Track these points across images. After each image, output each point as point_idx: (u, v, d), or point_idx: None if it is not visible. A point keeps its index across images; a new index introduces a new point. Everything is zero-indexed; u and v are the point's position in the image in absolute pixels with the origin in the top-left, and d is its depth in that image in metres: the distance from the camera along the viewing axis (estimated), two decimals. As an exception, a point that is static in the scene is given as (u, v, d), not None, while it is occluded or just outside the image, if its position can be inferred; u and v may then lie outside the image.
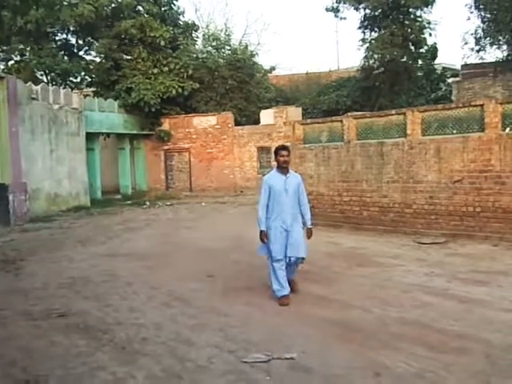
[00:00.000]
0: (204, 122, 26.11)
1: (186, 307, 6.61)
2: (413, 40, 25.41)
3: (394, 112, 12.18)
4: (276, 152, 6.66)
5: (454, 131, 10.67)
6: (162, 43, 25.00)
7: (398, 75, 25.80)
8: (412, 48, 26.24)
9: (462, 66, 25.41)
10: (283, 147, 6.74)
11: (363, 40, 26.05)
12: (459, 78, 24.20)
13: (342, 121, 12.93)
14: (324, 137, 13.29)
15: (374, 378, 4.34)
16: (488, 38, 23.78)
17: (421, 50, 27.33)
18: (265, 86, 29.72)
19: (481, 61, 24.53)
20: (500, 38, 23.40)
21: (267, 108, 26.66)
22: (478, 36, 23.88)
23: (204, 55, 27.67)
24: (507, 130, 9.90)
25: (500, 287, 7.06)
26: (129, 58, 25.55)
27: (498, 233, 9.98)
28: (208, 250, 10.56)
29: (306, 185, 13.69)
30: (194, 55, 27.10)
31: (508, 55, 23.75)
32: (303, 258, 6.72)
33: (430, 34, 25.99)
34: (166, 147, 26.72)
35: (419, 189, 11.20)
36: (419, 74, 28.44)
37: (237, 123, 26.02)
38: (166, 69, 25.22)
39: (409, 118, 11.33)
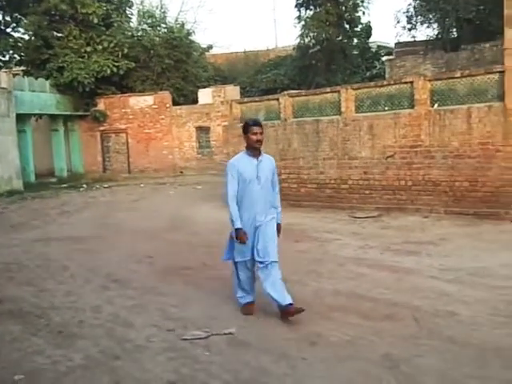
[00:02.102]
0: (141, 101, 25.60)
1: (125, 289, 6.57)
2: (347, 19, 25.81)
3: (328, 90, 12.41)
4: (245, 128, 5.23)
5: (386, 108, 10.99)
6: (95, 20, 24.15)
7: (333, 54, 26.16)
8: (347, 27, 26.67)
9: (395, 44, 26.04)
10: (255, 122, 5.30)
11: (299, 18, 26.22)
12: (393, 57, 24.78)
13: (278, 99, 13.03)
14: (261, 115, 13.34)
15: (310, 347, 4.49)
16: (419, 17, 24.47)
17: (355, 29, 27.81)
18: (202, 65, 29.40)
19: (413, 39, 25.23)
20: (430, 16, 24.13)
21: (205, 87, 26.41)
22: (410, 14, 24.54)
23: (139, 33, 27.02)
24: (435, 105, 10.28)
25: (429, 256, 7.41)
26: (60, 35, 24.58)
27: (427, 205, 10.42)
28: (147, 232, 10.48)
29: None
30: (129, 33, 26.42)
31: (438, 34, 24.53)
32: (275, 262, 5.22)
33: (364, 13, 26.49)
34: (102, 128, 26.04)
35: (354, 165, 11.50)
36: (354, 52, 28.93)
37: (175, 103, 25.67)
38: (100, 47, 24.45)
39: (343, 96, 11.56)
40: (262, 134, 5.22)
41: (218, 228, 10.66)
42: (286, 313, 5.04)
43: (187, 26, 28.22)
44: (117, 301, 6.08)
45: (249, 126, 5.22)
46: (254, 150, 5.23)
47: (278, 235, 5.43)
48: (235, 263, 5.44)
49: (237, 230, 5.17)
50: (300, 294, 5.93)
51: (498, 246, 7.79)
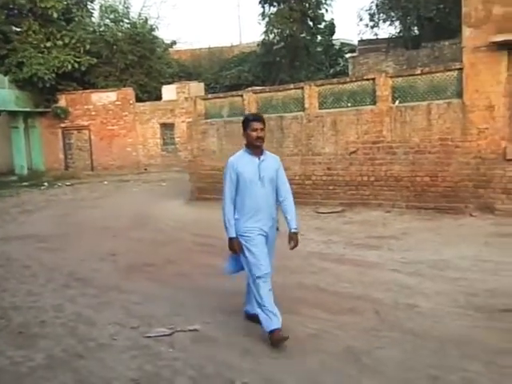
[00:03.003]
0: (103, 98, 25.19)
1: (87, 287, 6.48)
2: (311, 15, 26.01)
3: (292, 86, 12.45)
4: (245, 124, 4.67)
5: (349, 104, 11.12)
6: (55, 15, 23.63)
7: (297, 50, 26.32)
8: (310, 24, 26.87)
9: (359, 41, 26.39)
10: (255, 117, 4.75)
11: (263, 15, 26.27)
12: (356, 54, 25.09)
13: (242, 95, 13.03)
14: (225, 112, 13.33)
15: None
16: (381, 15, 24.87)
17: (319, 26, 28.07)
18: (166, 61, 29.14)
19: (375, 37, 25.62)
20: (392, 14, 24.54)
21: (169, 84, 26.18)
22: (372, 12, 24.92)
23: (101, 28, 26.58)
24: (397, 102, 10.46)
25: (390, 250, 7.55)
26: (19, 30, 23.96)
27: (390, 200, 10.60)
28: (110, 229, 10.36)
29: (209, 160, 13.89)
30: (91, 28, 25.96)
31: (400, 32, 24.97)
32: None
33: (327, 10, 26.73)
34: (63, 125, 25.52)
35: (318, 161, 11.60)
36: (318, 49, 29.20)
37: (138, 99, 25.36)
38: (61, 42, 23.96)
39: (306, 92, 11.64)
40: (263, 130, 4.61)
41: (183, 225, 10.67)
42: (271, 338, 4.42)
43: (150, 22, 27.91)
44: (79, 299, 6.00)
45: (248, 121, 4.65)
46: (254, 148, 4.60)
47: (294, 246, 4.75)
48: (253, 278, 4.53)
49: (230, 239, 4.59)
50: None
51: (458, 239, 7.99)
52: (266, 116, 12.22)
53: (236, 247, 4.61)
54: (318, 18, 27.12)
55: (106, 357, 4.40)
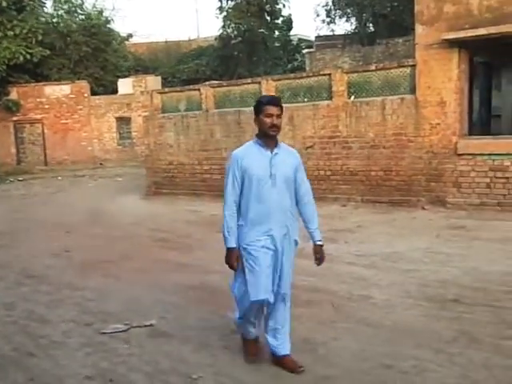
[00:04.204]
0: (57, 91, 24.57)
1: (40, 284, 6.34)
2: (268, 10, 26.05)
3: (249, 81, 12.47)
4: (258, 108, 3.77)
5: (306, 99, 11.21)
6: (4, 3, 22.82)
7: (255, 45, 26.34)
8: (268, 18, 26.91)
9: (316, 37, 26.58)
10: (270, 100, 3.82)
11: (220, 8, 26.16)
12: (313, 50, 25.29)
13: (199, 89, 12.96)
14: (182, 106, 13.23)
15: (231, 335, 4.51)
16: (338, 11, 25.15)
17: (277, 21, 28.16)
18: (122, 54, 28.71)
19: (332, 33, 25.90)
20: (348, 11, 24.85)
21: (125, 77, 25.80)
22: (329, 8, 25.16)
23: (55, 19, 25.90)
24: (352, 97, 10.60)
25: (346, 243, 7.67)
26: (-34, 20, 23.12)
27: (346, 194, 10.76)
28: (64, 225, 10.14)
29: (166, 155, 13.77)
30: (43, 19, 25.26)
31: (355, 28, 25.31)
32: (286, 294, 3.91)
33: (284, 5, 26.83)
34: (15, 118, 24.73)
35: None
36: (276, 44, 29.30)
37: (93, 93, 24.87)
38: (12, 33, 23.19)
39: (263, 87, 11.67)
40: (280, 116, 3.73)
41: (139, 220, 10.55)
42: (282, 364, 3.88)
43: (106, 13, 27.40)
44: (32, 297, 5.86)
45: (262, 104, 3.75)
46: (267, 138, 3.74)
47: (320, 262, 3.98)
48: (244, 303, 3.87)
49: (227, 250, 3.76)
50: (222, 284, 5.96)
51: (410, 232, 8.19)
52: (223, 110, 12.42)
53: (233, 260, 3.73)
54: (275, 13, 27.21)
55: (59, 354, 4.31)
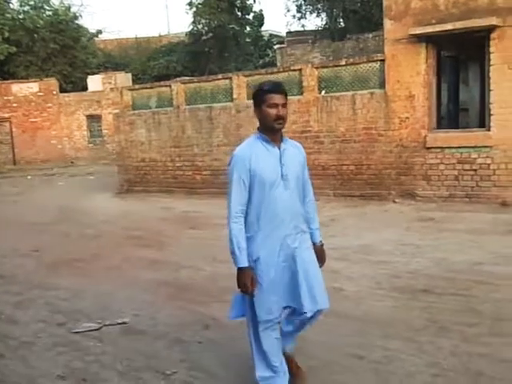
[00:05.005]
0: (25, 88, 24.14)
1: (9, 284, 6.24)
2: (239, 6, 26.00)
3: (220, 77, 12.45)
4: (258, 97, 3.18)
5: (277, 95, 11.21)
6: (-32, 0, 22.43)
7: (226, 41, 26.29)
8: (239, 14, 26.86)
9: (287, 33, 26.63)
10: (273, 87, 3.15)
11: (190, 4, 26.01)
12: (284, 45, 25.36)
13: (170, 86, 12.89)
14: (153, 102, 13.15)
15: (204, 330, 4.54)
16: (308, 6, 25.24)
17: (247, 17, 28.11)
18: (91, 50, 28.39)
19: (302, 28, 25.99)
20: (319, 6, 24.97)
21: (95, 74, 25.48)
22: (299, 4, 25.24)
23: (21, 16, 25.42)
24: (323, 92, 10.68)
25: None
26: None
27: (318, 188, 10.70)
28: (35, 224, 9.99)
29: (137, 152, 13.67)
30: (9, 15, 24.76)
31: (326, 23, 25.44)
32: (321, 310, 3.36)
33: (255, 1, 26.80)
34: (-18, 117, 24.30)
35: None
36: (247, 40, 29.28)
37: (62, 90, 24.54)
38: (-24, 30, 22.75)
39: (235, 83, 11.66)
40: (285, 105, 3.13)
41: (111, 218, 10.46)
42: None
43: (73, 9, 27.04)
44: (1, 297, 5.76)
45: (263, 93, 3.14)
46: (272, 132, 3.17)
47: (322, 263, 3.49)
48: (254, 325, 3.31)
49: (239, 270, 3.11)
50: (195, 280, 6.00)
51: (382, 225, 8.30)
52: (194, 106, 12.38)
53: (249, 281, 3.09)
54: (246, 9, 27.19)
55: (30, 355, 4.26)
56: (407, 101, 9.77)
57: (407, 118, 9.81)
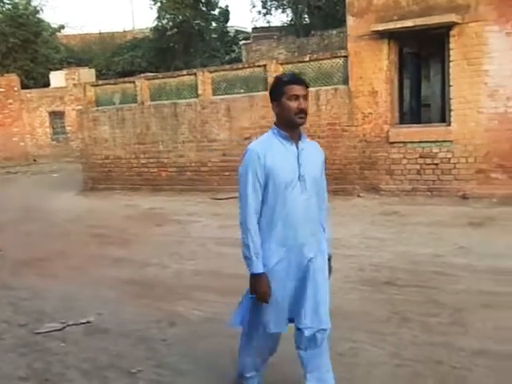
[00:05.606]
0: (-16, 85, 23.54)
1: (-31, 286, 6.10)
2: (204, 1, 25.85)
3: (185, 72, 12.39)
4: (277, 89, 2.91)
5: (242, 90, 11.25)
6: None
7: (191, 37, 26.11)
8: (204, 9, 26.72)
9: (252, 29, 26.68)
10: (295, 78, 2.93)
11: (155, -1, 25.76)
12: (250, 41, 25.36)
13: (134, 82, 12.76)
14: (117, 99, 12.99)
15: (169, 328, 4.53)
16: (274, 2, 25.31)
17: (213, 13, 27.99)
18: (53, 45, 27.83)
19: (268, 25, 26.07)
20: (284, 2, 25.05)
21: (57, 70, 25.00)
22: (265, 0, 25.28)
23: (-22, 10, 24.79)
24: (287, 88, 10.71)
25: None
26: None
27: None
28: (-4, 224, 9.78)
29: (102, 149, 13.49)
30: (-34, 9, 24.13)
31: (291, 20, 25.55)
32: (324, 330, 3.01)
33: (220, -4, 26.67)
34: None
35: (213, 147, 11.65)
36: (213, 36, 29.14)
37: (24, 86, 23.99)
38: None
39: (199, 79, 11.63)
40: (307, 98, 2.88)
41: (76, 216, 10.32)
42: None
43: (34, 3, 26.45)
44: (-41, 299, 5.63)
45: (283, 84, 2.87)
46: (293, 127, 2.89)
47: (330, 273, 3.19)
48: (253, 335, 3.13)
49: (255, 276, 2.87)
50: (161, 277, 5.97)
51: (349, 219, 8.39)
52: (159, 103, 12.29)
53: (265, 287, 2.86)
54: (211, 4, 27.06)
55: (-9, 357, 4.18)
56: (370, 96, 9.90)
57: (370, 113, 9.94)
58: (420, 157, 9.60)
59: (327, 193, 3.16)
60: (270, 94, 2.96)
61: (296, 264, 2.91)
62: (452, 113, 9.25)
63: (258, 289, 2.85)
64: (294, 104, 2.82)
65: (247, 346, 3.18)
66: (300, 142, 2.93)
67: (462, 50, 8.99)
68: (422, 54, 13.09)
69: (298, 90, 2.83)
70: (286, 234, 2.87)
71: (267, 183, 2.84)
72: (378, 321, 4.39)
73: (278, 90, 2.89)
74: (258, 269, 2.84)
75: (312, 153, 2.99)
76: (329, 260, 3.14)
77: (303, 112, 2.84)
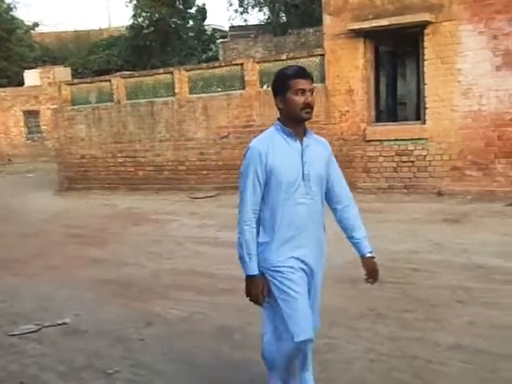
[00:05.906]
0: (-44, 83, 23.13)
1: None
2: (180, -1, 25.76)
3: (162, 71, 12.35)
4: (281, 83, 2.74)
5: (219, 89, 11.24)
6: None
7: (168, 35, 25.99)
8: (181, 7, 26.60)
9: (230, 27, 26.65)
10: (301, 71, 2.73)
11: (131, -3, 25.57)
12: (227, 39, 25.33)
13: (110, 80, 12.66)
14: (93, 97, 12.88)
15: (146, 327, 4.51)
16: (250, 0, 25.32)
17: (190, 11, 27.87)
18: (28, 43, 27.43)
19: (245, 23, 26.07)
20: (261, 0, 25.07)
21: (32, 68, 24.66)
22: (242, -3, 25.28)
23: (-51, 7, 24.31)
24: (265, 86, 10.75)
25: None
26: None
27: (262, 182, 10.91)
28: (-31, 225, 9.62)
29: (78, 148, 13.35)
30: None
31: (268, 18, 25.59)
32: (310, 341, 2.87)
33: (196, -6, 26.59)
34: None
35: (190, 146, 11.63)
36: (190, 34, 29.01)
37: (-3, 85, 23.64)
38: None
39: (176, 77, 11.59)
40: (312, 92, 2.73)
41: (52, 217, 10.20)
42: None
43: (7, 0, 26.02)
44: None
45: (288, 78, 2.71)
46: (297, 123, 2.75)
47: (374, 280, 3.05)
48: (282, 349, 2.87)
49: (248, 278, 2.79)
50: (138, 277, 5.94)
51: (326, 217, 8.43)
52: (135, 101, 12.21)
53: (258, 290, 2.76)
54: (188, 2, 26.96)
55: (-36, 360, 4.11)
56: (347, 95, 9.98)
57: (347, 111, 10.02)
58: (396, 154, 9.71)
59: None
60: (273, 88, 2.80)
61: (297, 267, 2.78)
62: (427, 111, 9.37)
63: (252, 290, 2.77)
64: (300, 99, 2.68)
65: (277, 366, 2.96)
66: (305, 138, 2.78)
67: (436, 48, 9.11)
68: (398, 52, 13.22)
69: (303, 83, 2.69)
70: (288, 235, 2.76)
71: (268, 181, 2.73)
72: (353, 317, 4.44)
73: (282, 85, 2.73)
74: (251, 270, 2.75)
75: (317, 149, 2.84)
76: (372, 259, 2.98)
77: (310, 107, 2.71)
